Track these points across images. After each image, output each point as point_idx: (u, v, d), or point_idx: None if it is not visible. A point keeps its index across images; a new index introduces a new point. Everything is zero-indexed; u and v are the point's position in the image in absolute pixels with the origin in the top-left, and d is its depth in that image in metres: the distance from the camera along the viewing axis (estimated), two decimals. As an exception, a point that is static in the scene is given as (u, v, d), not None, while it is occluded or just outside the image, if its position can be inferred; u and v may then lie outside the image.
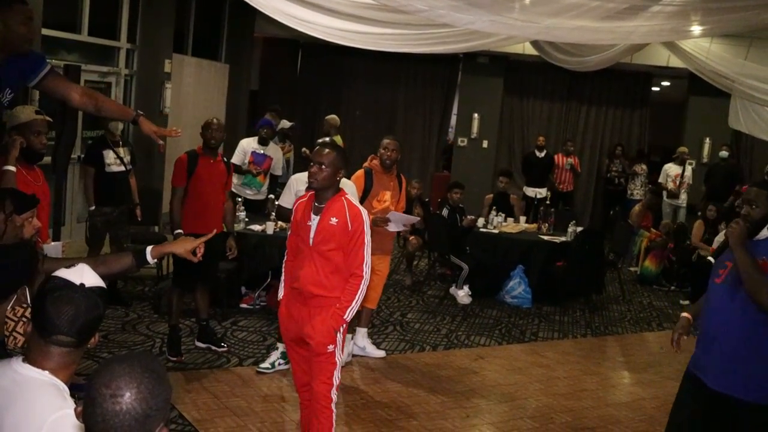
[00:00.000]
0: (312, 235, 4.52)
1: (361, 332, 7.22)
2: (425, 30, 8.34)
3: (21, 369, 2.34)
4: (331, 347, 4.54)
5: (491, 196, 11.02)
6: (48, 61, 4.64)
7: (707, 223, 10.72)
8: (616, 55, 10.56)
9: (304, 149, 11.88)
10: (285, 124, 12.29)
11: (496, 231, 10.09)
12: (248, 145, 9.22)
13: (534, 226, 10.58)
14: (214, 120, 6.78)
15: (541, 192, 13.81)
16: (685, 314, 4.49)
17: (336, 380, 4.61)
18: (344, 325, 4.59)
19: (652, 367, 7.87)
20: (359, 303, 4.60)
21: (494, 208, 10.58)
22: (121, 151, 7.77)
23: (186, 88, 12.17)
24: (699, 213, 12.14)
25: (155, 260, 3.45)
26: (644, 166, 14.47)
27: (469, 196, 10.84)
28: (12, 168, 4.59)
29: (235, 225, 7.79)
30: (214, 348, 6.88)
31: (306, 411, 4.83)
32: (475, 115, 15.93)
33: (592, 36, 7.57)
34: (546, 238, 9.98)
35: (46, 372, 2.33)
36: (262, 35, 15.23)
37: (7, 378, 2.33)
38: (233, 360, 6.74)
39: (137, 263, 3.38)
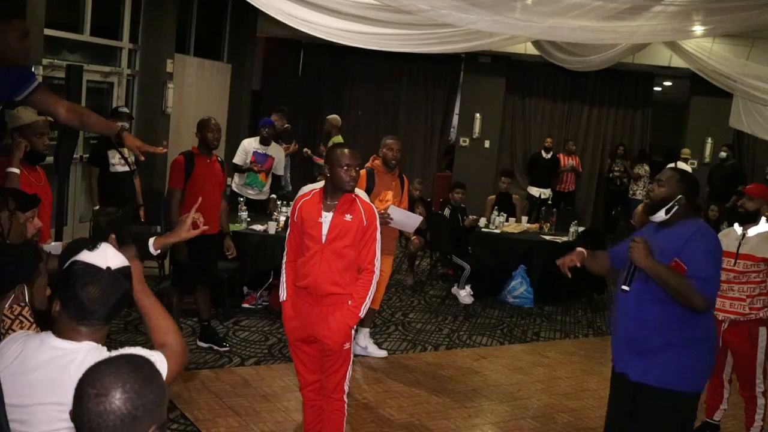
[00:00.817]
0: (325, 231, 4.52)
1: (363, 332, 7.23)
2: (427, 30, 8.35)
3: (59, 344, 2.40)
4: (347, 345, 4.59)
5: (494, 196, 11.02)
6: (37, 77, 4.66)
7: (709, 223, 10.71)
8: (618, 55, 10.57)
9: (305, 149, 11.90)
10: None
11: (498, 231, 10.10)
12: (249, 144, 9.23)
13: (536, 226, 10.58)
14: (212, 119, 6.75)
15: (546, 192, 13.82)
16: (580, 249, 4.56)
17: (350, 372, 4.68)
18: (357, 322, 4.63)
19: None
20: (371, 298, 4.63)
21: (496, 208, 10.59)
22: (126, 151, 7.79)
23: (188, 88, 12.18)
24: (701, 213, 12.14)
25: (158, 251, 3.47)
26: (647, 167, 14.46)
27: (471, 196, 10.85)
28: (16, 170, 4.62)
29: (238, 225, 7.81)
30: (216, 348, 6.89)
31: (310, 411, 4.84)
32: (477, 115, 15.92)
33: (593, 36, 7.59)
34: (548, 238, 9.99)
35: (84, 342, 2.40)
36: (265, 35, 15.23)
37: (47, 353, 2.38)
38: (235, 360, 6.75)
39: (141, 255, 3.39)
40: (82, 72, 7.92)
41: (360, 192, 4.89)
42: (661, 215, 4.08)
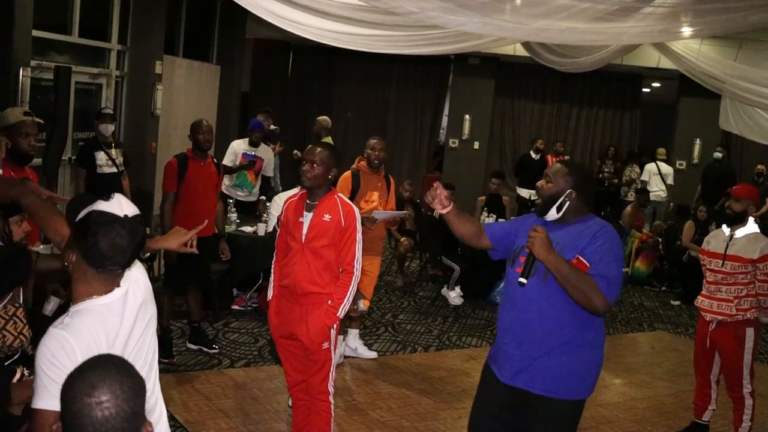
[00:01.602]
0: (305, 231, 4.57)
1: (353, 333, 7.23)
2: (416, 31, 8.34)
3: (100, 300, 2.47)
4: (326, 344, 4.60)
5: (484, 198, 11.04)
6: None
7: (698, 224, 10.74)
8: (607, 56, 10.59)
9: (295, 151, 11.88)
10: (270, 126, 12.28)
11: (487, 232, 10.07)
12: (239, 146, 9.23)
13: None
14: (204, 121, 6.76)
15: (534, 193, 13.83)
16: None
17: (332, 374, 4.67)
18: (337, 323, 4.62)
19: (643, 367, 7.90)
20: (351, 300, 4.65)
21: (486, 209, 10.59)
22: (113, 152, 7.77)
23: (177, 90, 12.15)
24: (692, 213, 12.19)
25: (147, 254, 3.47)
26: (637, 168, 14.49)
27: (460, 197, 10.85)
28: None
29: (227, 226, 7.79)
30: (205, 350, 6.88)
31: (299, 411, 4.85)
32: (467, 116, 15.96)
33: (582, 37, 7.59)
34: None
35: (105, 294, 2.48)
36: (254, 37, 15.22)
37: (96, 315, 2.45)
38: (225, 362, 6.73)
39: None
40: (71, 73, 7.91)
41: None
42: (552, 213, 3.77)
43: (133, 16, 10.81)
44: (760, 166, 13.08)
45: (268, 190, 9.79)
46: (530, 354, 3.70)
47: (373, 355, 7.28)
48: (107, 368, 1.90)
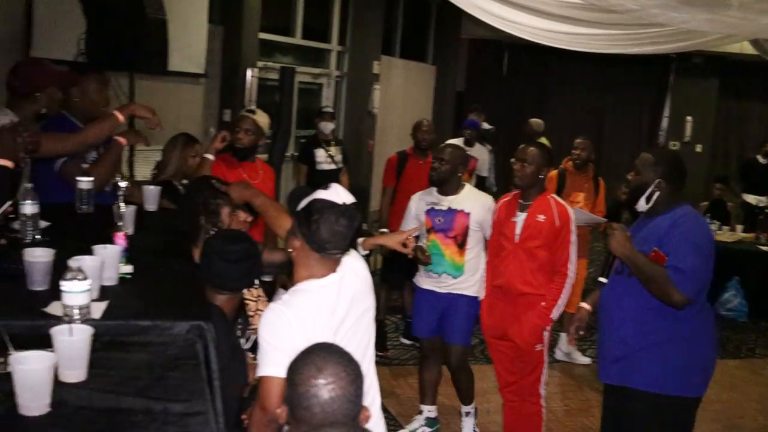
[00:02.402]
0: (518, 231, 4.55)
1: (565, 337, 7.07)
2: (635, 30, 8.04)
3: (321, 282, 2.65)
4: (539, 346, 4.56)
5: (706, 203, 10.51)
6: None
7: None
8: None
9: (513, 160, 11.75)
10: (485, 126, 12.23)
11: (710, 239, 9.58)
12: (453, 146, 9.25)
13: (751, 235, 9.95)
14: (425, 121, 6.90)
15: (763, 200, 12.99)
16: (583, 304, 4.01)
17: (544, 376, 4.61)
18: (551, 324, 4.54)
19: None
20: (565, 302, 4.56)
21: (708, 215, 10.07)
22: (332, 150, 8.00)
23: (394, 90, 12.38)
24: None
25: (366, 252, 3.56)
26: None
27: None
28: (210, 156, 4.81)
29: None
30: (418, 345, 6.94)
31: (510, 412, 4.83)
32: (688, 118, 15.28)
33: (824, 32, 7.04)
34: (765, 249, 9.39)
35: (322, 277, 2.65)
36: (469, 36, 15.26)
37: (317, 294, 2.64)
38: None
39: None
40: (295, 74, 8.24)
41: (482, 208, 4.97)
42: (642, 204, 3.65)
43: (352, 18, 11.13)
44: None
45: (483, 191, 9.76)
46: (622, 351, 3.67)
47: (587, 360, 7.08)
48: (330, 352, 1.98)
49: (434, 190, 4.99)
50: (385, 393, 5.70)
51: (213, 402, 2.16)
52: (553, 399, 6.07)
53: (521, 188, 4.63)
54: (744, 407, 6.43)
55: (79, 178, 3.73)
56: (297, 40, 10.24)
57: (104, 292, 2.63)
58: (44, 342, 2.11)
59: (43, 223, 3.14)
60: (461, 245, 4.90)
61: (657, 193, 3.61)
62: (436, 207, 4.94)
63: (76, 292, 2.25)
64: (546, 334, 4.60)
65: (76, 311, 2.24)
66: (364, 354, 2.75)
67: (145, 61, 5.82)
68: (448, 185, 4.90)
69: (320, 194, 2.64)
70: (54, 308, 2.42)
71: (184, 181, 4.84)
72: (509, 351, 4.71)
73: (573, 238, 4.54)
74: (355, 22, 11.14)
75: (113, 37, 5.70)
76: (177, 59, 6.63)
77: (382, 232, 6.34)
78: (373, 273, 7.79)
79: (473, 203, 4.92)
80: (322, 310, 2.59)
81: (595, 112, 16.27)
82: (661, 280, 3.42)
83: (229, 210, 3.48)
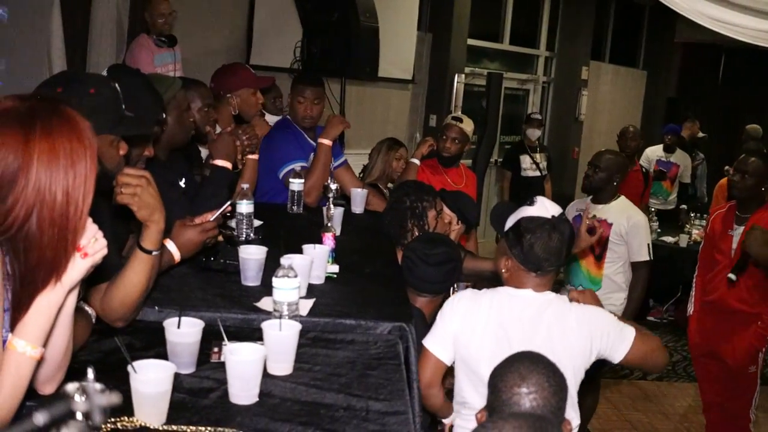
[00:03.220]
0: (734, 246, 4.32)
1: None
2: None
3: (526, 294, 2.60)
4: (752, 368, 4.31)
5: None
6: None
7: None
8: None
9: (726, 167, 11.21)
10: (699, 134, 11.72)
11: None
12: (653, 153, 8.94)
13: None
14: (631, 128, 6.75)
15: None
16: None
17: (755, 400, 4.36)
18: (766, 346, 4.30)
19: None
20: None
21: None
22: (538, 156, 7.95)
23: (602, 96, 12.11)
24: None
25: None
26: None
27: None
28: (416, 161, 4.93)
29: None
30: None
31: (712, 435, 4.60)
32: None
33: None
34: None
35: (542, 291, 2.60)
36: (683, 40, 14.66)
37: (523, 302, 2.58)
38: (636, 372, 6.56)
39: None
40: (502, 79, 8.25)
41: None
42: None
43: (561, 23, 11.00)
44: None
45: (688, 199, 9.36)
46: None
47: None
48: (535, 362, 1.95)
49: (589, 197, 4.78)
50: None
51: (412, 402, 2.20)
52: (764, 425, 5.73)
53: (740, 200, 4.40)
54: None
55: (291, 180, 3.92)
56: (505, 45, 10.24)
57: (311, 290, 2.76)
58: (254, 335, 2.24)
59: (257, 222, 3.32)
60: (599, 257, 4.60)
61: None
62: (582, 214, 4.67)
63: (286, 289, 2.34)
64: (761, 356, 4.36)
65: (285, 307, 2.34)
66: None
67: (357, 67, 6.01)
68: (601, 194, 4.62)
69: (527, 211, 2.60)
70: (265, 303, 2.55)
71: (390, 185, 4.98)
72: (718, 371, 4.49)
73: None
74: (564, 27, 11.00)
75: (327, 44, 5.94)
76: (386, 65, 6.80)
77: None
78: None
79: (620, 215, 4.56)
80: (503, 320, 2.53)
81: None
82: None
83: (434, 213, 3.53)
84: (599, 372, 4.84)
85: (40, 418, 1.11)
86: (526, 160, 7.93)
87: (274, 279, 2.37)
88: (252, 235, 3.21)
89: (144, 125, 2.48)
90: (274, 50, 6.58)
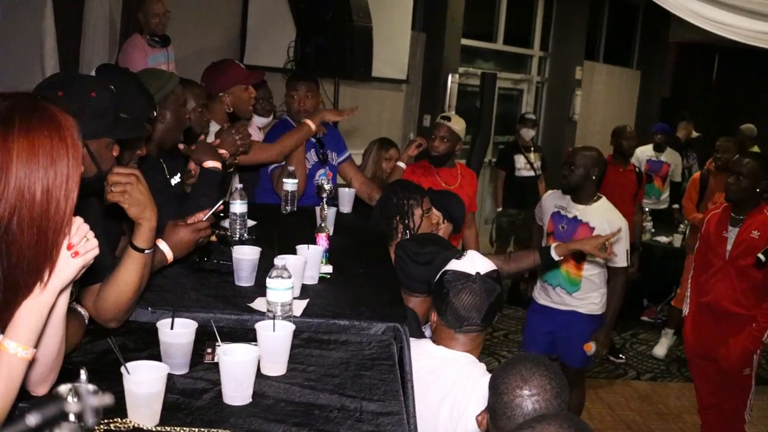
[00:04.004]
0: (729, 248, 4.31)
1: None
2: None
3: (438, 352, 2.52)
4: (746, 370, 4.32)
5: None
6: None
7: None
8: None
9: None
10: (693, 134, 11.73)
11: None
12: (642, 153, 8.94)
13: None
14: (627, 127, 6.74)
15: None
16: None
17: (750, 402, 4.37)
18: (760, 348, 4.31)
19: None
20: None
21: None
22: (532, 156, 7.95)
23: (596, 95, 12.13)
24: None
25: (560, 257, 3.52)
26: None
27: None
28: (401, 164, 4.98)
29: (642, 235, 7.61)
30: (612, 358, 6.77)
31: (706, 436, 4.61)
32: None
33: None
34: None
35: (461, 353, 2.49)
36: (677, 40, 14.69)
37: (426, 359, 2.50)
38: (630, 373, 6.58)
39: (543, 260, 3.49)
40: (496, 79, 8.24)
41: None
42: None
43: (555, 23, 11.01)
44: None
45: (679, 198, 9.38)
46: None
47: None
48: (537, 364, 1.95)
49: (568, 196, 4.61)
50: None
51: (406, 403, 2.19)
52: (759, 425, 5.74)
53: (734, 202, 4.38)
54: None
55: (285, 180, 3.92)
56: (498, 45, 10.24)
57: (305, 291, 2.75)
58: (248, 335, 2.23)
59: (250, 222, 3.31)
60: (579, 260, 4.46)
61: None
62: (563, 212, 4.52)
63: (280, 290, 2.35)
64: (755, 358, 4.36)
65: (278, 308, 2.34)
66: None
67: (350, 67, 6.01)
68: (581, 192, 4.45)
69: (454, 264, 2.55)
70: (258, 304, 2.55)
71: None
72: (713, 372, 4.49)
73: None
74: (558, 27, 11.01)
75: (321, 44, 5.94)
76: (380, 65, 6.80)
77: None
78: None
79: (601, 219, 4.40)
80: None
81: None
82: None
83: (421, 212, 3.53)
84: (584, 366, 4.86)
85: (32, 419, 1.10)
86: (520, 160, 7.93)
87: (267, 279, 2.37)
88: (246, 235, 3.20)
89: (139, 127, 2.47)
90: (267, 50, 6.58)
